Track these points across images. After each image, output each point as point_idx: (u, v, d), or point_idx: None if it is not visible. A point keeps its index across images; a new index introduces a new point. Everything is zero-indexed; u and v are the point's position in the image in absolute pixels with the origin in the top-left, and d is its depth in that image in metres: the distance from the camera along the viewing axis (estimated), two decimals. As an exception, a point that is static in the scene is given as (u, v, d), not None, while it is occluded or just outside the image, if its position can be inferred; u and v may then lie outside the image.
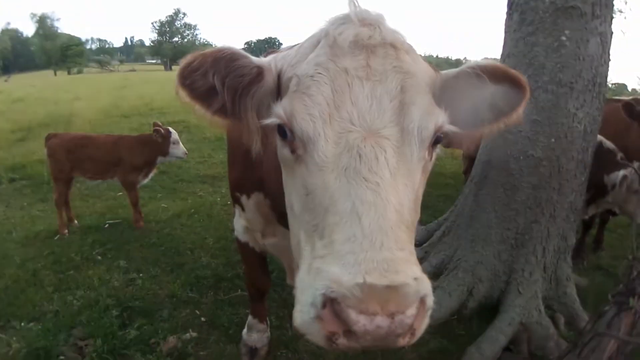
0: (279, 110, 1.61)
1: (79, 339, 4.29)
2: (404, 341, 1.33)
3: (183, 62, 1.70)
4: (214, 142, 11.96)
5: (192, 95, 1.72)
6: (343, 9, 1.77)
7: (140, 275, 5.38)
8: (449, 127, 1.67)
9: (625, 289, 1.79)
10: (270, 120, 1.64)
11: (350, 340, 1.26)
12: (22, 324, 4.51)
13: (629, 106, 6.01)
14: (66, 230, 6.62)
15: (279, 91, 1.81)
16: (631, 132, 6.13)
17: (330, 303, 1.26)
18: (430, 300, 1.39)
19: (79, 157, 6.59)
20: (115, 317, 4.49)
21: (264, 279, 3.86)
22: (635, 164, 5.61)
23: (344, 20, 1.69)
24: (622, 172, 5.26)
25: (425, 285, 1.37)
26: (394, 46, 1.65)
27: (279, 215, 2.89)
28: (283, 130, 1.63)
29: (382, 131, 1.51)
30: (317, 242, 1.46)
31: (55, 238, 6.49)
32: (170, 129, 6.74)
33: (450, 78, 1.86)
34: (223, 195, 8.02)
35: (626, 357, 1.67)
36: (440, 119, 1.62)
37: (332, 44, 1.64)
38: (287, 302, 4.83)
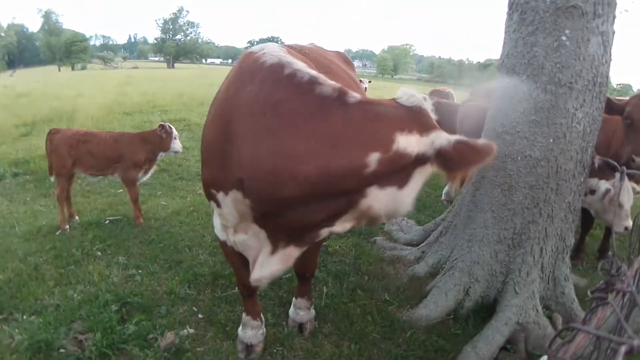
0: None
1: (79, 333, 4.32)
2: None
3: None
4: (215, 141, 11.93)
5: None
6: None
7: (139, 271, 5.40)
8: None
9: (605, 285, 1.81)
10: None
11: None
12: (24, 316, 4.55)
13: (606, 101, 5.74)
14: (67, 226, 6.66)
15: None
16: (617, 132, 5.91)
17: None
18: None
19: (80, 153, 6.61)
20: (114, 312, 4.52)
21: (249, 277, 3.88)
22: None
23: None
24: (605, 186, 5.22)
25: None
26: None
27: (258, 214, 2.98)
28: None
29: None
30: None
31: (57, 233, 6.52)
32: (167, 124, 6.88)
33: None
34: (222, 192, 7.95)
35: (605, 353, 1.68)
36: None
37: None
38: (283, 300, 4.88)
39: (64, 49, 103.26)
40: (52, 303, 4.79)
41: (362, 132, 2.55)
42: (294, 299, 4.49)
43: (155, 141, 6.72)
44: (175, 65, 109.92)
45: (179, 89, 26.92)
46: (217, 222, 3.56)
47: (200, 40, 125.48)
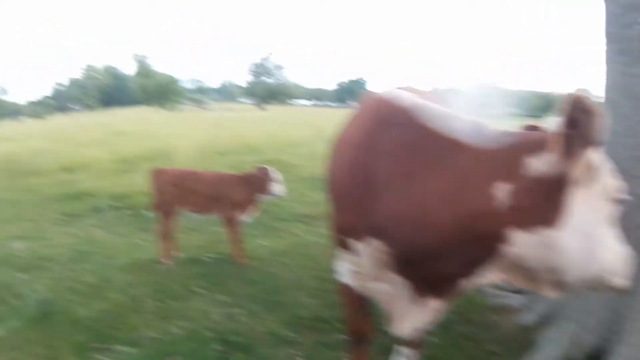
0: None
1: (177, 368, 4.42)
2: None
3: None
4: (309, 181, 12.09)
5: None
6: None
7: (240, 310, 5.47)
8: None
9: None
10: None
11: None
12: (121, 347, 4.70)
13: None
14: (169, 260, 7.00)
15: None
16: None
17: None
18: None
19: (184, 192, 6.94)
20: (215, 350, 4.60)
21: (365, 324, 3.77)
22: None
23: None
24: None
25: None
26: None
27: (400, 263, 2.91)
28: None
29: None
30: None
31: (157, 267, 6.81)
32: (270, 168, 6.97)
33: None
34: (321, 235, 7.98)
35: None
36: None
37: None
38: (386, 346, 4.65)
39: (157, 91, 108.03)
40: (151, 336, 4.93)
41: (489, 162, 2.46)
42: (399, 347, 4.36)
43: (255, 183, 6.87)
44: (265, 107, 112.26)
45: (271, 130, 27.36)
46: (343, 266, 3.44)
47: (288, 83, 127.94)
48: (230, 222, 7.00)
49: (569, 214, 2.26)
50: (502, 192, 2.37)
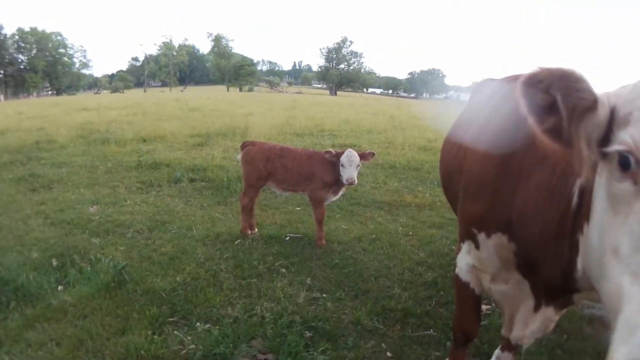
0: (626, 138, 1.49)
1: (259, 352, 4.13)
2: None
3: (529, 73, 1.63)
4: (387, 169, 11.78)
5: (529, 106, 1.62)
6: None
7: (324, 295, 5.17)
8: None
9: None
10: (616, 147, 1.52)
11: None
12: (198, 324, 4.47)
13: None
14: (249, 232, 6.83)
15: (609, 128, 1.62)
16: None
17: None
18: None
19: (275, 167, 6.67)
20: (301, 337, 4.30)
21: (475, 325, 3.48)
22: None
23: None
24: None
25: None
26: None
27: (522, 262, 2.66)
28: (625, 161, 1.49)
29: None
30: None
31: (236, 242, 6.58)
32: (351, 151, 6.34)
33: None
34: (403, 225, 7.66)
35: None
36: None
37: None
38: (481, 351, 4.35)
39: (232, 71, 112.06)
40: (231, 314, 4.70)
41: None
42: (498, 351, 4.02)
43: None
44: (337, 92, 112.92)
45: (345, 115, 27.46)
46: (463, 261, 3.19)
47: (362, 70, 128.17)
48: (318, 203, 6.65)
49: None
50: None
